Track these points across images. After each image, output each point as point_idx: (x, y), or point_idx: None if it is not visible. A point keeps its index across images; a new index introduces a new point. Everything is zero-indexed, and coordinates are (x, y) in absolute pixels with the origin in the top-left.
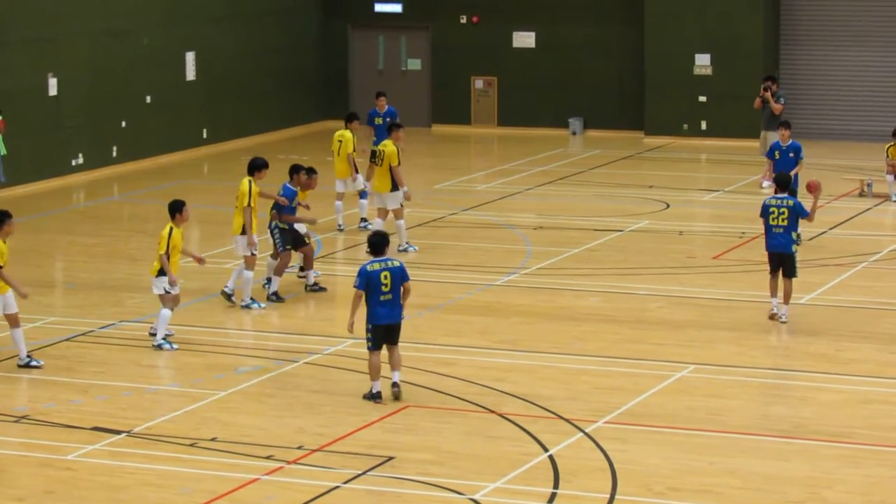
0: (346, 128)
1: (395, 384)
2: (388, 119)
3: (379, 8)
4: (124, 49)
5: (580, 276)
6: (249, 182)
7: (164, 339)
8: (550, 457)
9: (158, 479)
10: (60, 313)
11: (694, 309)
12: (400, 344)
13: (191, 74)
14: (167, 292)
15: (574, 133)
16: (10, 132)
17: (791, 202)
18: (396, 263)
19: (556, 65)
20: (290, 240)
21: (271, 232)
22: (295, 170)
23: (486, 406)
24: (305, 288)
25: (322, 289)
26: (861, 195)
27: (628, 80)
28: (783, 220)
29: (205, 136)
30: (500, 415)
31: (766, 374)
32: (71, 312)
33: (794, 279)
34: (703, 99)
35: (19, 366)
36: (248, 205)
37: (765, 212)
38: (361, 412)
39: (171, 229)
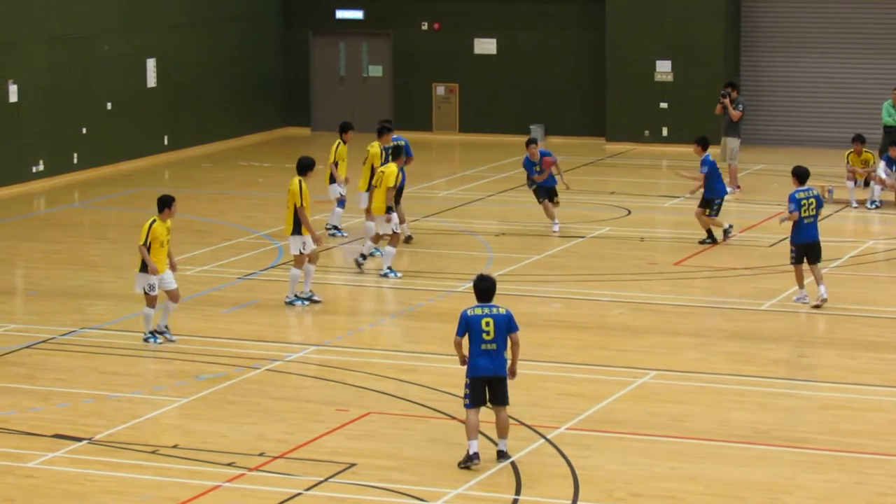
0: (341, 138)
1: (500, 453)
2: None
3: (340, 14)
4: (84, 55)
5: (542, 282)
6: (300, 182)
7: (151, 333)
8: (512, 463)
9: (120, 487)
10: (21, 320)
11: (655, 315)
12: (362, 350)
13: (151, 81)
14: (147, 293)
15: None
16: None
17: (815, 192)
18: (503, 311)
19: (517, 71)
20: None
21: None
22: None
23: (448, 412)
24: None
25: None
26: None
27: (589, 86)
28: (812, 209)
29: (166, 142)
30: (462, 421)
31: (727, 379)
32: (31, 319)
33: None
34: (664, 105)
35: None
36: (303, 205)
37: (797, 205)
38: (323, 419)
39: (154, 221)
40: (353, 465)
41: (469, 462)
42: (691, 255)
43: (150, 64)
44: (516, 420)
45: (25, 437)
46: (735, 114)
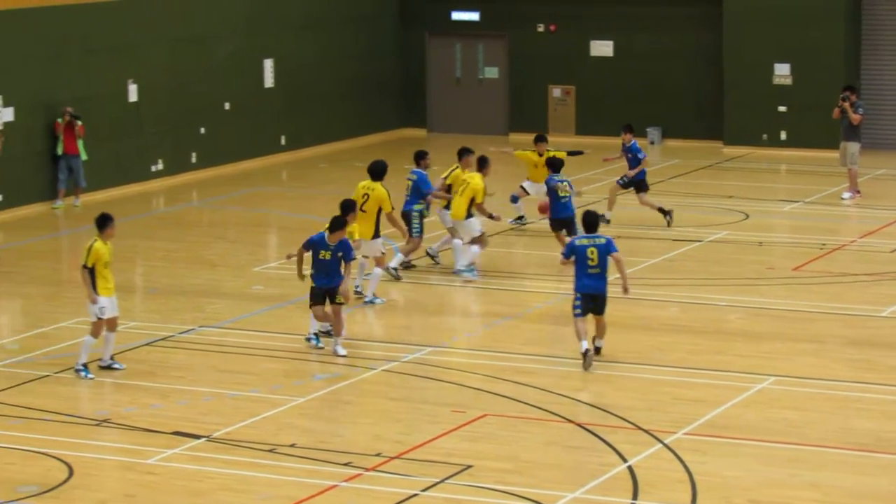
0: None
1: (597, 349)
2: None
3: (456, 16)
4: (204, 56)
5: (659, 286)
6: (381, 187)
7: (83, 366)
8: (629, 467)
9: (238, 484)
10: (141, 318)
11: (774, 320)
12: (479, 352)
13: (269, 81)
14: (99, 317)
15: (652, 142)
16: (91, 138)
17: None
18: (602, 240)
19: (634, 74)
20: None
21: (419, 216)
22: (422, 155)
23: (565, 416)
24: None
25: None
26: None
27: (707, 89)
28: None
29: (283, 142)
30: (579, 424)
31: (847, 387)
32: (151, 317)
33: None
34: (782, 109)
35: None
36: (392, 208)
37: None
38: (439, 420)
39: (95, 241)
40: (469, 466)
41: (586, 360)
42: (810, 260)
43: (268, 64)
44: (634, 424)
45: (146, 433)
46: (855, 117)
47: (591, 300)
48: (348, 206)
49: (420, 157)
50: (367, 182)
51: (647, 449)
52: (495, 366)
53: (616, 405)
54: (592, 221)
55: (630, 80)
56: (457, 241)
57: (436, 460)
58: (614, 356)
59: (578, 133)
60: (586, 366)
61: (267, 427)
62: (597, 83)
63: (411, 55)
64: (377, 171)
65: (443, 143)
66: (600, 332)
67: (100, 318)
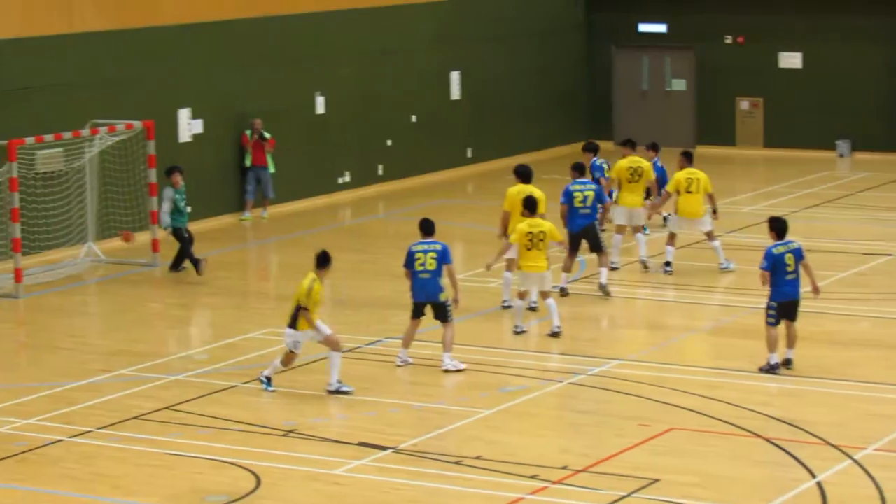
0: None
1: (787, 362)
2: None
3: (643, 28)
4: (391, 68)
5: (848, 300)
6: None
7: (266, 378)
8: (818, 483)
9: (425, 496)
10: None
11: None
12: (666, 365)
13: (456, 94)
14: (292, 350)
15: (841, 155)
16: (278, 150)
17: None
18: (795, 245)
19: (823, 86)
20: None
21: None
22: (579, 167)
23: (752, 430)
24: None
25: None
26: None
27: None
28: None
29: (469, 155)
30: (766, 439)
31: None
32: (338, 329)
33: None
34: None
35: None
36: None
37: None
38: (626, 434)
39: (315, 283)
40: (655, 480)
41: (771, 370)
42: None
43: (455, 77)
44: (822, 440)
45: (332, 444)
46: None
47: (788, 307)
48: (532, 203)
49: (578, 169)
50: (522, 186)
51: (837, 464)
52: (682, 379)
53: (804, 420)
54: (783, 228)
55: (818, 92)
56: (639, 236)
57: (622, 474)
58: (803, 370)
59: (766, 146)
60: (768, 371)
61: (453, 439)
62: (785, 95)
63: (598, 67)
64: (528, 175)
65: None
66: (791, 341)
67: (292, 351)
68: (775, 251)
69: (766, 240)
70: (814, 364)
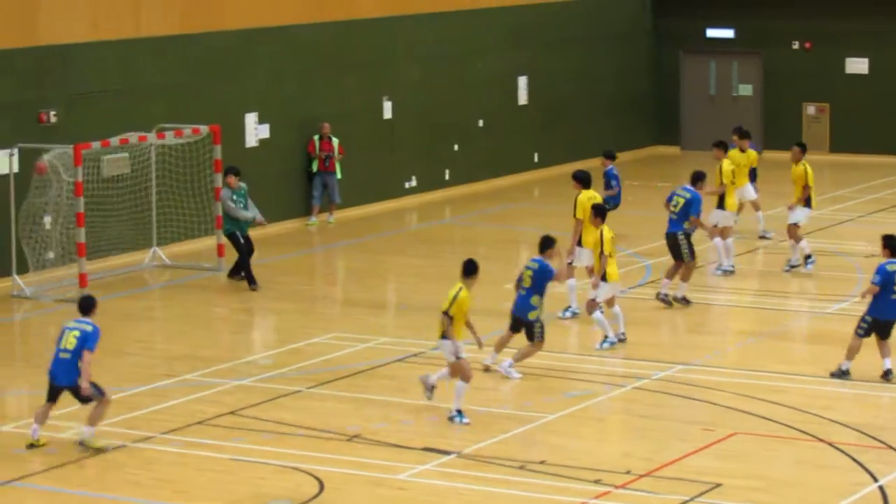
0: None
1: (887, 373)
2: None
3: (711, 34)
4: (458, 73)
5: None
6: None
7: (458, 412)
8: (880, 487)
9: (488, 501)
10: (393, 334)
11: None
12: (730, 370)
13: (523, 98)
14: (458, 357)
15: None
16: (345, 154)
17: None
18: None
19: (890, 91)
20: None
21: (686, 238)
22: (700, 177)
23: (815, 434)
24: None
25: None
26: None
27: None
28: None
29: (536, 159)
30: (830, 443)
31: None
32: (403, 333)
33: None
34: None
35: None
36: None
37: None
38: (689, 438)
39: (461, 291)
40: (718, 485)
41: (841, 375)
42: None
43: (522, 81)
44: (886, 444)
45: (396, 449)
46: None
47: (885, 326)
48: (603, 210)
49: (698, 179)
50: (591, 192)
51: None
52: (746, 384)
53: (868, 424)
54: None
55: (885, 98)
56: (717, 240)
57: (685, 478)
58: (865, 376)
59: (833, 151)
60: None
61: (516, 444)
62: (851, 101)
63: (665, 72)
64: (588, 180)
65: (695, 160)
66: (886, 350)
67: (459, 358)
68: (889, 268)
69: (825, 243)
70: (877, 369)
